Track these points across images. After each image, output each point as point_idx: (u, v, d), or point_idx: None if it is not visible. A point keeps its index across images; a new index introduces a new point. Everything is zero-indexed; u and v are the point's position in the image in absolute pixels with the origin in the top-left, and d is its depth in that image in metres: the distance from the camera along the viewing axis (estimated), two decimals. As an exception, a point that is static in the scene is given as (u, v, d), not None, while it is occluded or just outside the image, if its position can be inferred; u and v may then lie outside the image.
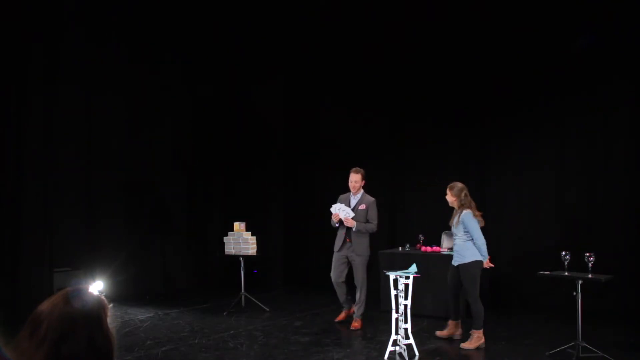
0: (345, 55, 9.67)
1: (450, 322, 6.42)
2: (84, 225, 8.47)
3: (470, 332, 6.11)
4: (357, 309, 7.03)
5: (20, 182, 7.48)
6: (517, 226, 8.38)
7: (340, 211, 6.86)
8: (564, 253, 5.73)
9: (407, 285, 5.82)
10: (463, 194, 6.18)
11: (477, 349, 6.02)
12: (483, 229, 6.19)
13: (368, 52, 9.47)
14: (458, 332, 6.40)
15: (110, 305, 1.64)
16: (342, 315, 7.22)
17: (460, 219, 6.11)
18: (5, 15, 7.32)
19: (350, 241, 6.93)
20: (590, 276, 5.53)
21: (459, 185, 6.28)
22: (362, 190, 7.05)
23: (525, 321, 7.27)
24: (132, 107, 9.10)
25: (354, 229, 6.86)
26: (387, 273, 5.92)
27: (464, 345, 6.05)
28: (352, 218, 6.85)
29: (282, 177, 10.46)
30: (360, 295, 6.98)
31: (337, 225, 6.98)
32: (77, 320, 1.51)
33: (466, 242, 6.12)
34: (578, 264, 5.80)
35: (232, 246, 8.18)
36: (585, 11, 7.79)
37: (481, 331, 6.07)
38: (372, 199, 7.02)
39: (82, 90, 8.45)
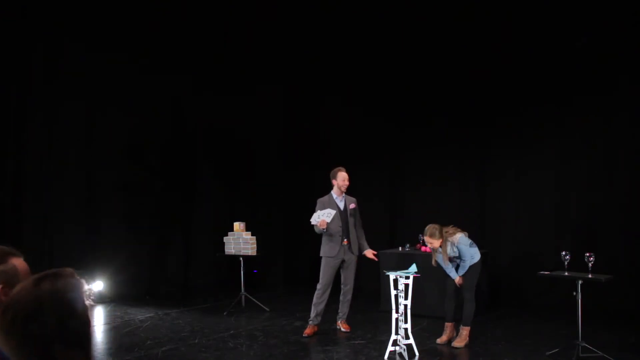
0: (345, 56, 9.67)
1: (447, 325, 6.38)
2: (84, 225, 8.47)
3: (461, 329, 6.19)
4: (345, 310, 6.84)
5: (21, 182, 7.48)
6: (517, 226, 8.38)
7: (326, 217, 6.53)
8: (564, 253, 5.72)
9: (407, 285, 5.81)
10: (443, 232, 6.11)
11: (465, 346, 6.11)
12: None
13: (368, 53, 9.47)
14: (455, 334, 6.39)
15: (88, 286, 1.58)
16: (310, 330, 6.68)
17: (457, 248, 6.13)
18: (7, 17, 7.33)
19: (349, 242, 6.76)
20: (590, 276, 5.53)
21: (433, 227, 6.12)
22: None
23: (525, 321, 7.27)
24: (131, 108, 9.10)
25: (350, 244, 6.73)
26: (387, 273, 5.92)
27: (455, 343, 6.13)
28: (347, 219, 6.74)
29: (282, 177, 10.46)
30: (349, 295, 6.81)
31: (324, 231, 6.62)
32: (43, 302, 1.47)
33: (465, 254, 6.17)
34: (578, 264, 5.80)
35: (232, 246, 8.18)
36: (586, 11, 7.78)
37: (469, 329, 6.19)
38: (353, 198, 6.95)
39: (83, 91, 8.46)
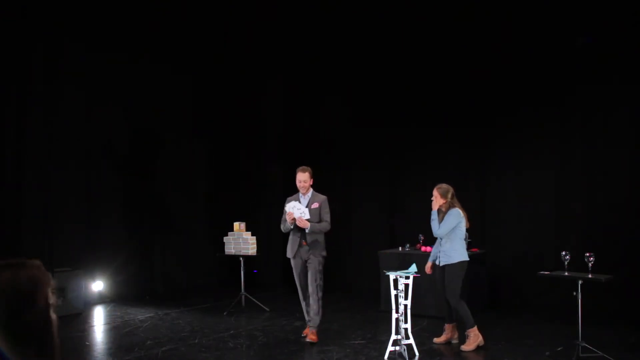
0: (345, 56, 9.68)
1: (447, 326, 6.34)
2: (84, 225, 8.48)
3: (466, 332, 6.08)
4: (312, 319, 6.36)
5: (21, 182, 7.48)
6: (517, 226, 8.37)
7: (295, 210, 6.30)
8: (564, 253, 5.72)
9: (407, 285, 5.81)
10: (450, 195, 6.18)
11: (477, 347, 6.01)
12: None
13: (368, 52, 9.47)
14: (455, 336, 6.33)
15: (54, 283, 1.53)
16: (308, 331, 6.52)
17: (447, 214, 6.11)
18: (7, 15, 7.33)
19: (307, 244, 6.39)
20: (590, 276, 5.52)
21: (445, 186, 6.26)
22: (311, 190, 6.52)
23: (525, 321, 7.27)
24: (131, 107, 9.11)
25: (307, 230, 6.31)
26: (387, 273, 5.92)
27: (464, 347, 6.02)
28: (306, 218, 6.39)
29: (282, 177, 10.45)
30: (314, 302, 6.32)
31: (291, 227, 6.40)
32: (2, 291, 1.44)
33: (453, 242, 6.11)
34: (578, 264, 5.80)
35: (232, 246, 8.18)
36: (585, 10, 7.78)
37: (475, 328, 6.04)
38: (323, 197, 6.54)
39: (83, 91, 8.46)
